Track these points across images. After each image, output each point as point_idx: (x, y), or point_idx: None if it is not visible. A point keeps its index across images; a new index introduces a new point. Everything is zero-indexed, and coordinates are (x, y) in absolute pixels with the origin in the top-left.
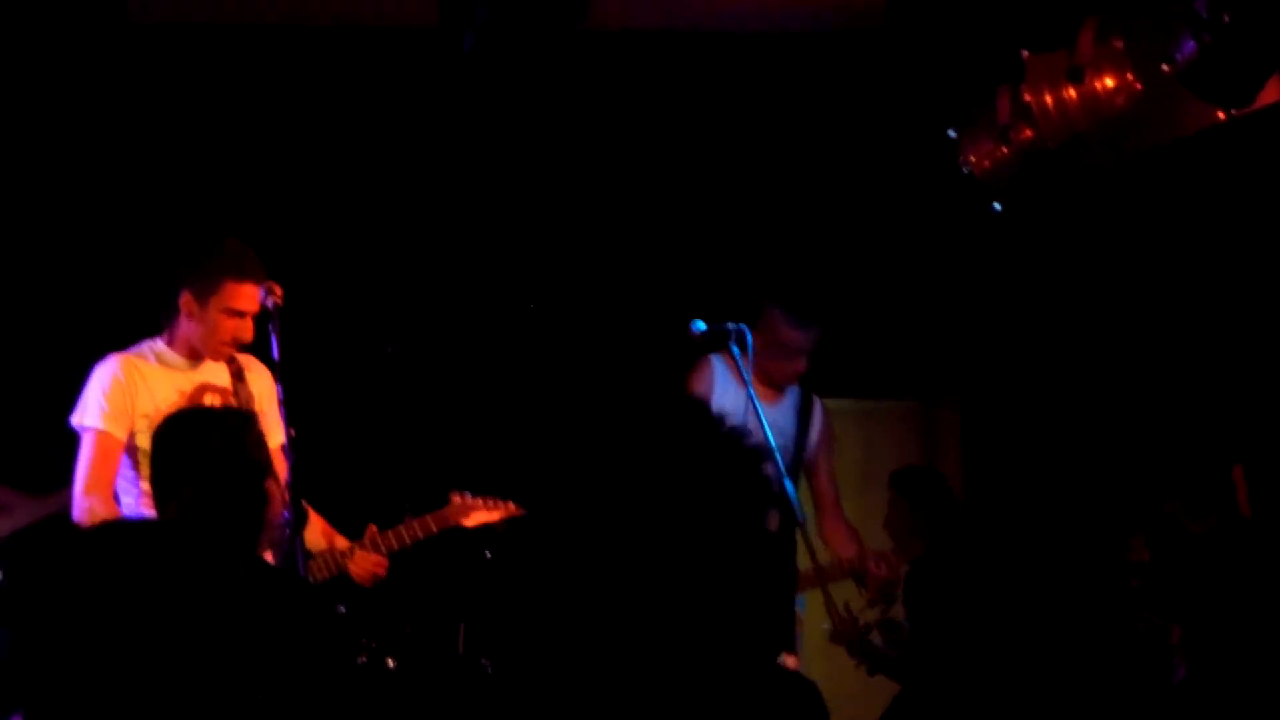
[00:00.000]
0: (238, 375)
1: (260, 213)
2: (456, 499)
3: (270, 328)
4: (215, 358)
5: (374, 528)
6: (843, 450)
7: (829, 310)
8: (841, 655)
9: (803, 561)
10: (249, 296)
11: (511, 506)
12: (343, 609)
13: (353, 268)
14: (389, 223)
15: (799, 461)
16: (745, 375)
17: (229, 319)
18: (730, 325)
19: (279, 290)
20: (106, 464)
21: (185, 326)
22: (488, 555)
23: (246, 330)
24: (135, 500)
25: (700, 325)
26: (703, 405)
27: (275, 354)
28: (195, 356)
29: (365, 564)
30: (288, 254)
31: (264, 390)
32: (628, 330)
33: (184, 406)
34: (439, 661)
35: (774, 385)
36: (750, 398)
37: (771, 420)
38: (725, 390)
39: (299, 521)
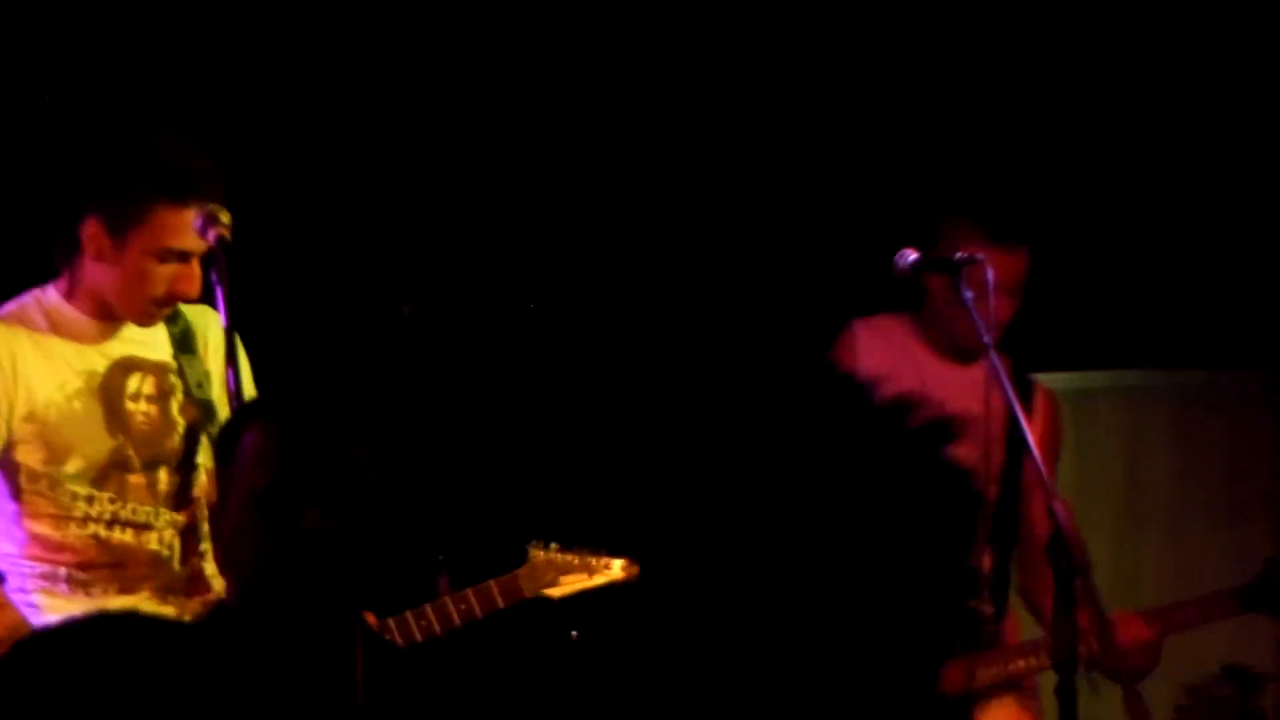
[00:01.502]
0: (181, 338)
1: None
2: (539, 555)
3: (214, 278)
4: (142, 321)
5: (371, 617)
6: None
7: (1054, 220)
8: None
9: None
10: (194, 231)
11: (620, 566)
12: None
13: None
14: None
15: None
16: (981, 327)
17: (161, 264)
18: (958, 255)
19: (225, 218)
20: None
21: (92, 271)
22: (574, 636)
23: (188, 280)
24: (17, 549)
25: (910, 256)
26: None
27: (224, 319)
28: (109, 315)
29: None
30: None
31: (221, 360)
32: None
33: (92, 398)
34: None
35: (958, 351)
36: (993, 362)
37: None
38: (882, 371)
39: None
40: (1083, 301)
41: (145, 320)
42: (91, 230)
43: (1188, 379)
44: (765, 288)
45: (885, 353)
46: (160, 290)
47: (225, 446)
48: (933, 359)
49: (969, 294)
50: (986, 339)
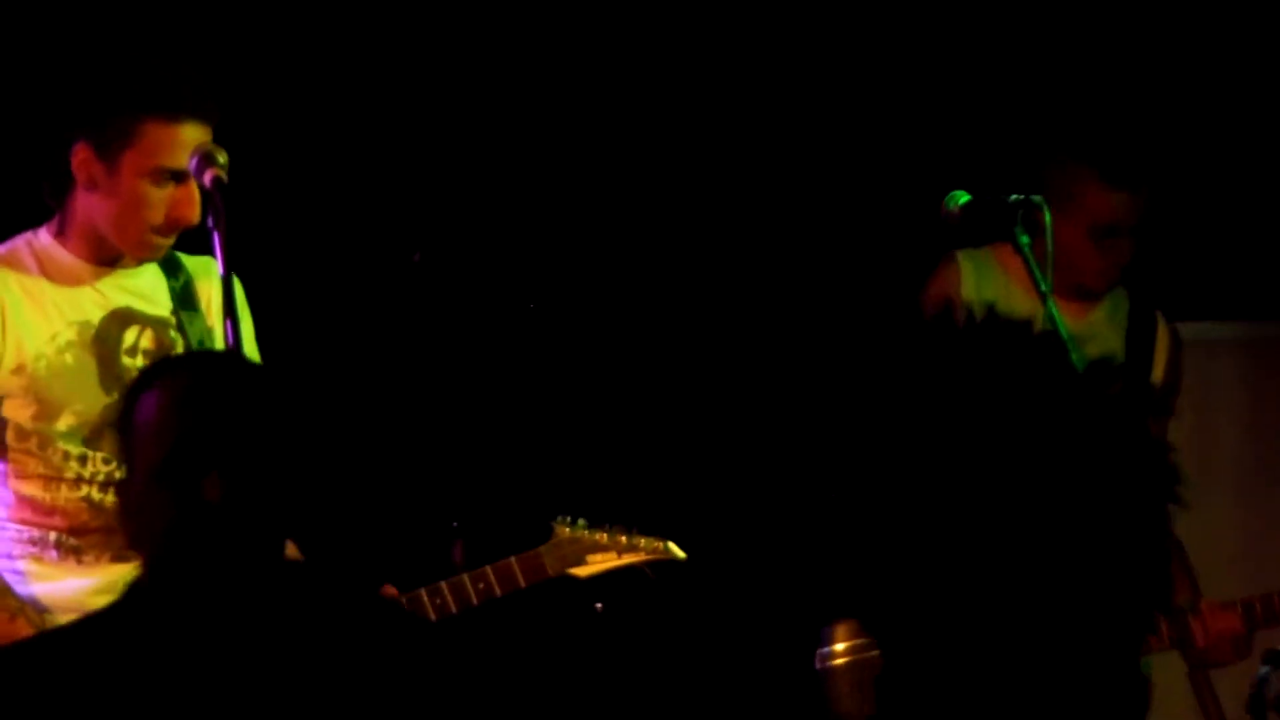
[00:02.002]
0: (182, 292)
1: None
2: (564, 532)
3: (210, 222)
4: (141, 253)
5: (390, 589)
6: (1211, 405)
7: (1171, 163)
8: None
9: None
10: (189, 147)
11: (652, 545)
12: None
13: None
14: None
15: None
16: (1039, 274)
17: (157, 185)
18: (1014, 197)
19: (221, 158)
20: None
21: (85, 203)
22: (599, 609)
23: (187, 204)
24: (4, 511)
25: (961, 198)
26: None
27: (221, 268)
28: (106, 255)
29: None
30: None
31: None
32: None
33: (85, 351)
34: None
35: (1079, 293)
36: (1050, 312)
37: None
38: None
39: None
40: (1150, 251)
41: (145, 252)
42: (81, 156)
43: (1255, 331)
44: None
45: (994, 286)
46: (158, 216)
47: (124, 416)
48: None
49: (1025, 239)
50: (1044, 288)
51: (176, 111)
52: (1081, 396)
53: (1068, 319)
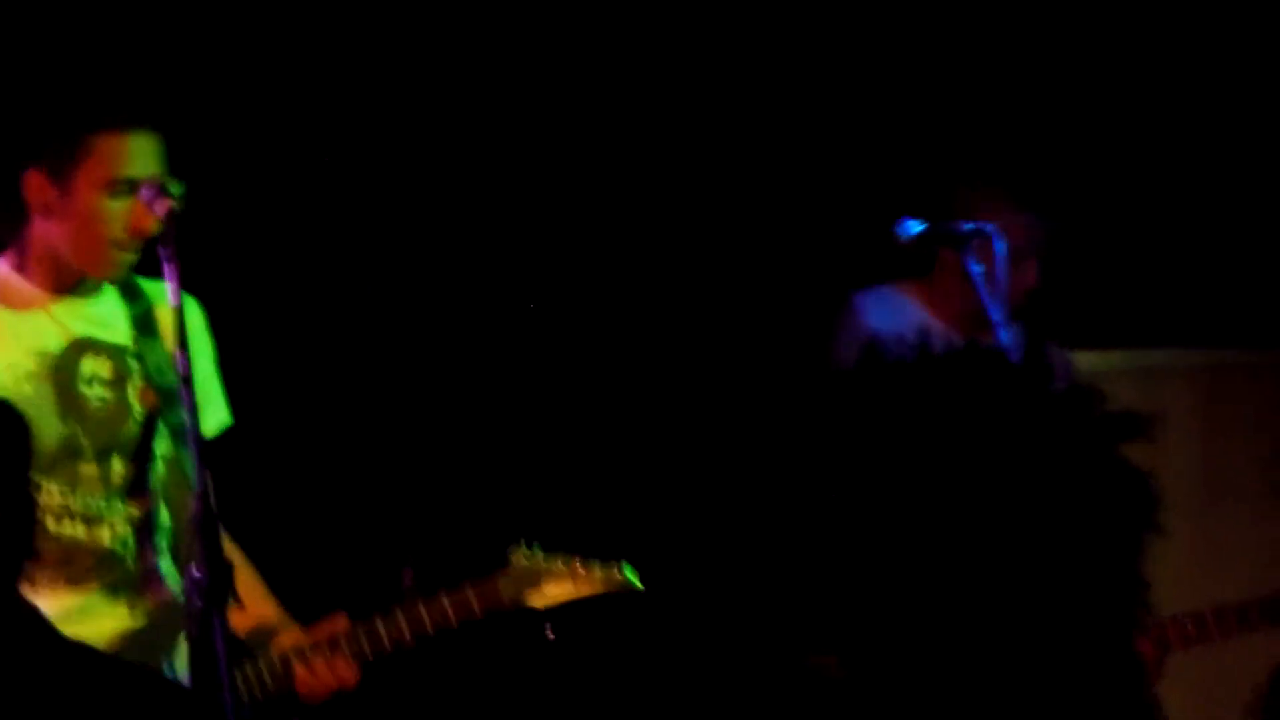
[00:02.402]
0: (142, 319)
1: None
2: (520, 560)
3: (162, 255)
4: (104, 271)
5: (342, 620)
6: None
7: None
8: None
9: None
10: (143, 154)
11: (610, 576)
12: None
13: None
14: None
15: None
16: (987, 297)
17: (113, 198)
18: (965, 225)
19: (175, 189)
20: None
21: (42, 231)
22: (549, 634)
23: (144, 215)
24: None
25: (914, 227)
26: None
27: (172, 298)
28: (66, 282)
29: (321, 678)
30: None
31: (192, 337)
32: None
33: (44, 381)
34: None
35: (971, 321)
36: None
37: None
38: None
39: (219, 583)
40: (1102, 279)
41: (108, 270)
42: (34, 183)
43: (1211, 358)
44: (765, 265)
45: (892, 325)
46: (116, 228)
47: None
48: (942, 331)
49: (978, 268)
50: (995, 316)
51: (126, 123)
52: (1062, 423)
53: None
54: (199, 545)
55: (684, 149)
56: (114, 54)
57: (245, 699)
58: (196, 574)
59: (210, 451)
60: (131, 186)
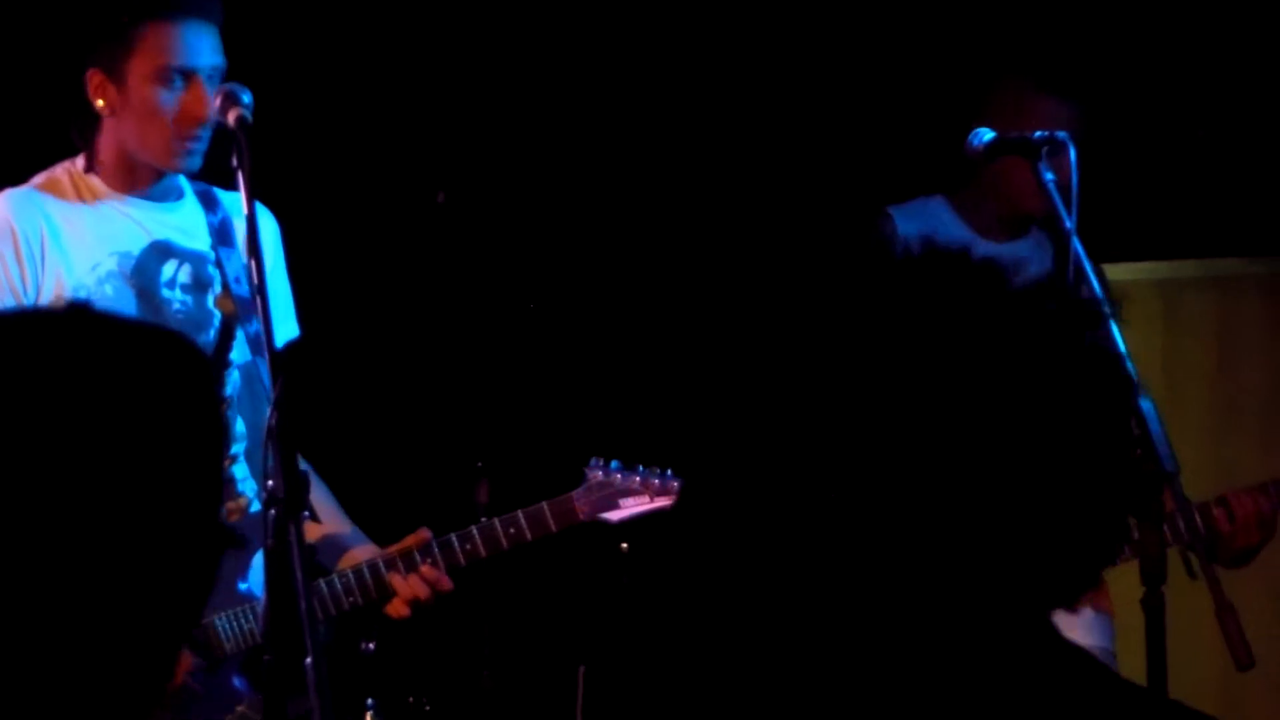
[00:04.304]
0: (220, 228)
1: None
2: (596, 476)
3: (234, 163)
4: (171, 161)
5: (426, 533)
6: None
7: (1107, 79)
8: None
9: None
10: (191, 39)
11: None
12: (371, 646)
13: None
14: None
15: None
16: (1063, 211)
17: (166, 88)
18: (1038, 133)
19: (245, 97)
20: None
21: (110, 131)
22: (624, 549)
23: (197, 101)
24: None
25: (985, 134)
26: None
27: (245, 206)
28: (141, 185)
29: (414, 587)
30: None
31: (267, 247)
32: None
33: (124, 282)
34: None
35: (1003, 226)
36: (1075, 250)
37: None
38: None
39: (294, 494)
40: (1167, 188)
41: (174, 160)
42: (95, 82)
43: (1227, 268)
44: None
45: (927, 235)
46: (174, 115)
47: None
48: (978, 239)
49: (1050, 175)
50: (1069, 224)
51: (172, 11)
52: (1024, 317)
53: (997, 255)
54: (274, 455)
55: (720, 64)
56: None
57: (322, 614)
58: (271, 484)
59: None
60: (184, 75)
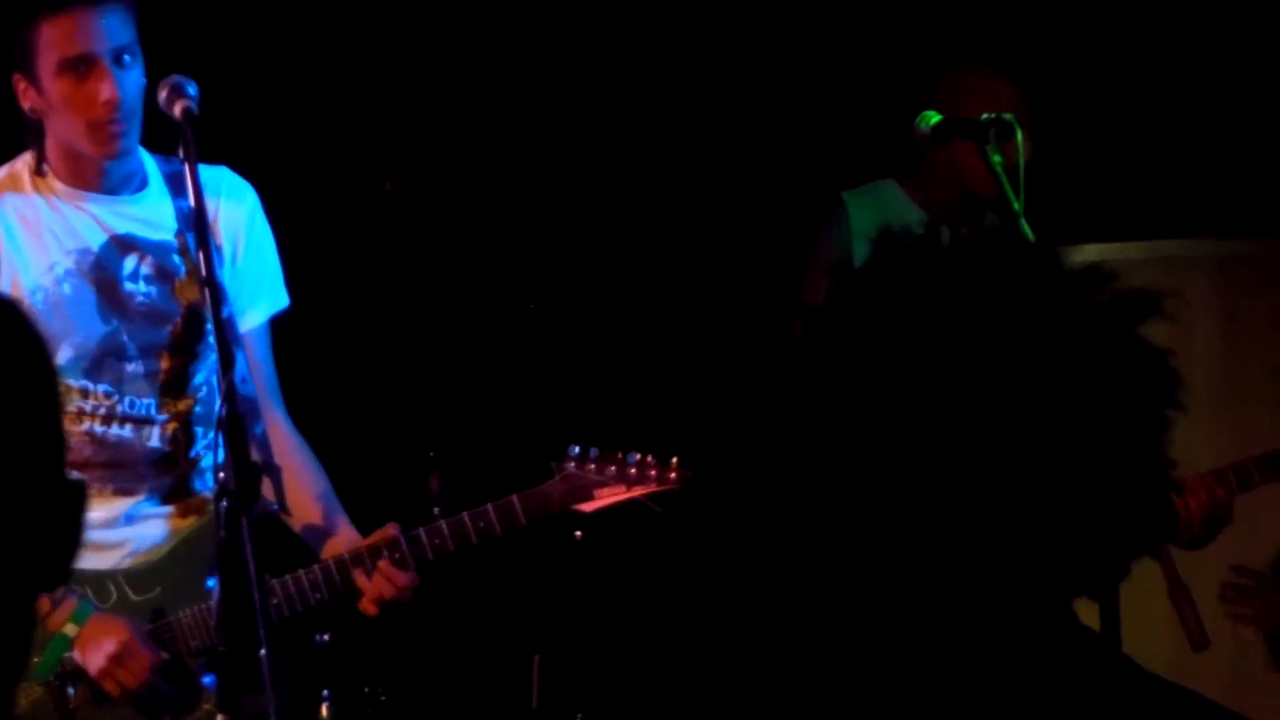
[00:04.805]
0: (188, 216)
1: None
2: (568, 465)
3: (180, 153)
4: (105, 149)
5: (393, 529)
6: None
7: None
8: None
9: None
10: (86, 27)
11: (667, 472)
12: (326, 638)
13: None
14: None
15: None
16: (1011, 194)
17: (77, 79)
18: (984, 116)
19: (190, 90)
20: None
21: (49, 130)
22: (578, 537)
23: (104, 83)
24: None
25: (932, 118)
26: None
27: (191, 200)
28: (92, 175)
29: (379, 586)
30: None
31: (236, 229)
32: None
33: (83, 280)
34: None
35: (960, 209)
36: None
37: None
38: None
39: (245, 485)
40: (1120, 169)
41: (107, 146)
42: (20, 87)
43: (1231, 249)
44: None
45: (880, 219)
46: (89, 106)
47: None
48: (931, 220)
49: (998, 158)
50: (1017, 206)
51: (63, 4)
52: (1074, 303)
53: None
54: (225, 447)
55: (679, 49)
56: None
57: (289, 611)
58: (223, 476)
59: (267, 336)
60: (86, 63)
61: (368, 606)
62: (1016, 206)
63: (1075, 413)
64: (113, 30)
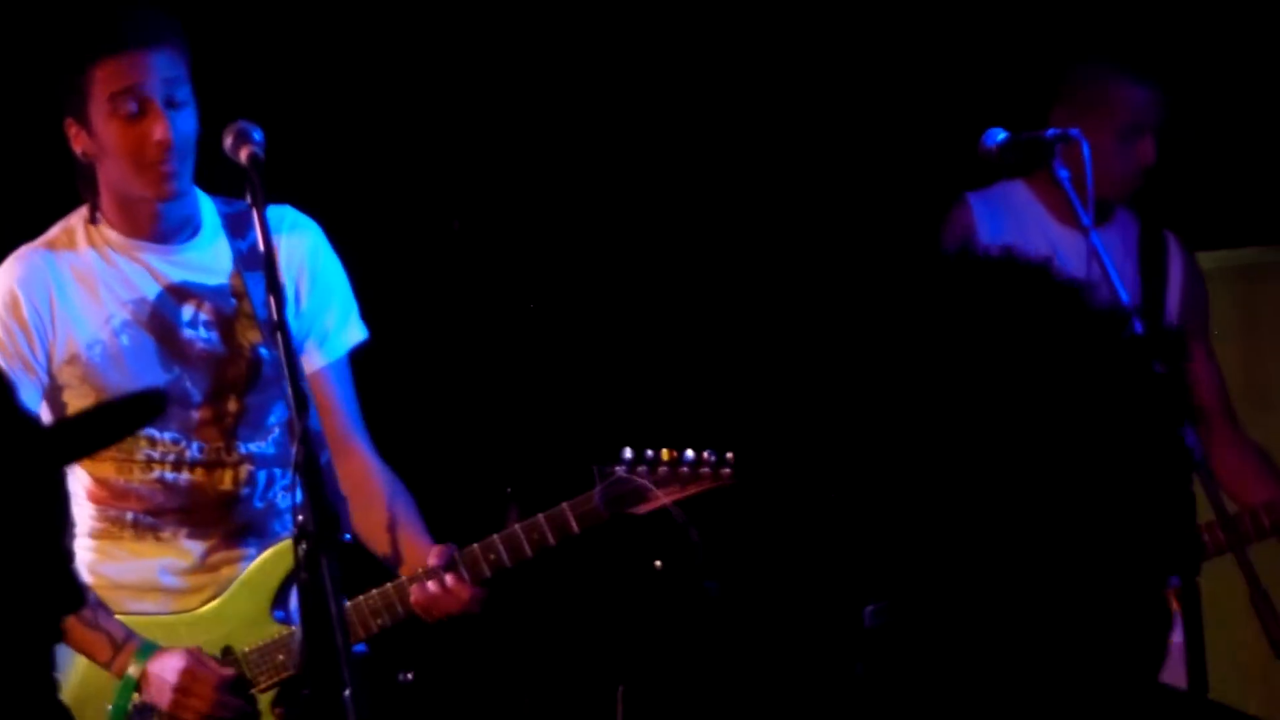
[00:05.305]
0: (249, 252)
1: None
2: (618, 469)
3: (249, 198)
4: (157, 190)
5: (449, 549)
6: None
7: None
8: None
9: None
10: (137, 69)
11: (726, 471)
12: (409, 676)
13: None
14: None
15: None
16: (1078, 203)
17: (127, 122)
18: (1049, 131)
19: (255, 135)
20: None
21: (101, 177)
22: (658, 566)
23: (157, 124)
24: (82, 492)
25: (998, 135)
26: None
27: (260, 243)
28: (145, 222)
29: (444, 602)
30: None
31: (299, 266)
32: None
33: (141, 330)
34: None
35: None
36: (1094, 245)
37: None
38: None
39: (325, 527)
40: (1191, 180)
41: (159, 188)
42: (72, 132)
43: (1249, 257)
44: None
45: (1005, 221)
46: (141, 147)
47: None
48: (1055, 223)
49: (1065, 172)
50: (1087, 221)
51: (114, 48)
52: (1098, 338)
53: (1081, 245)
54: (303, 489)
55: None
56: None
57: (364, 633)
58: (301, 518)
59: (346, 369)
60: (139, 104)
61: (431, 619)
62: (1086, 220)
63: (1092, 442)
64: (164, 72)
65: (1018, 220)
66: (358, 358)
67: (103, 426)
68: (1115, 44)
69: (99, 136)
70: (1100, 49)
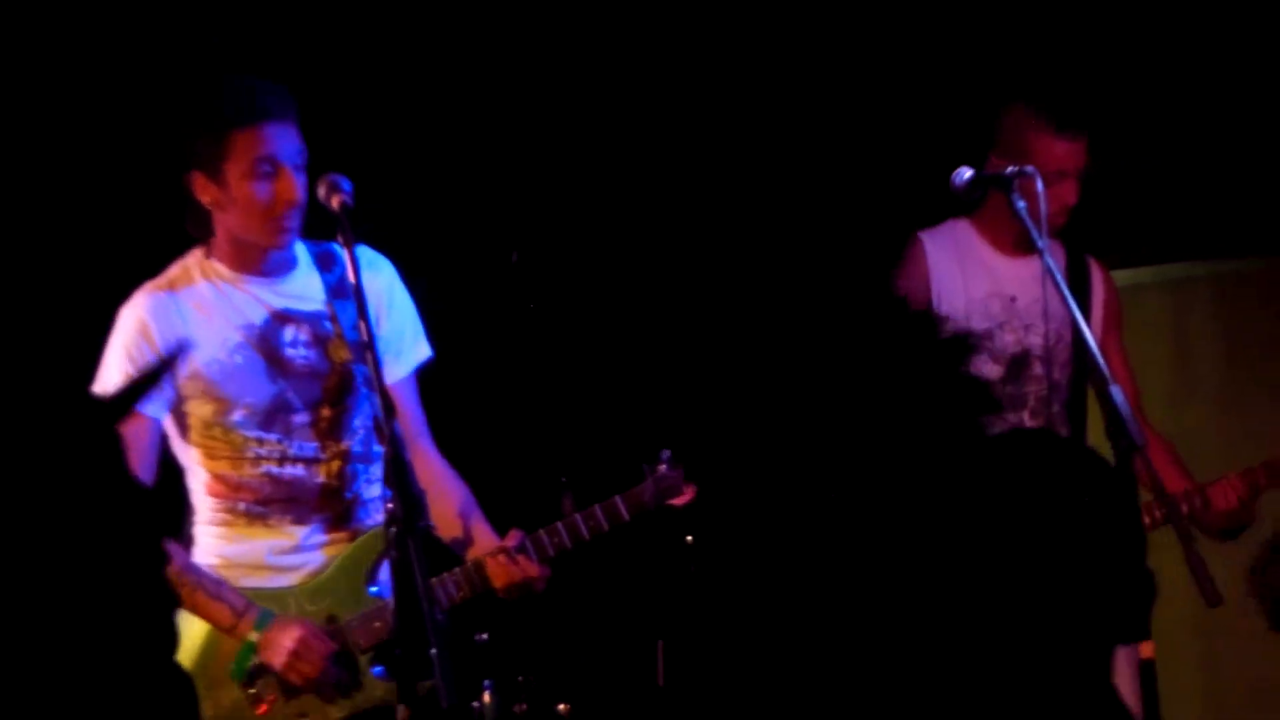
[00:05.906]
0: (337, 285)
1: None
2: (660, 467)
3: (339, 241)
4: (274, 240)
5: (518, 534)
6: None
7: (1109, 108)
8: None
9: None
10: (274, 139)
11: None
12: (484, 637)
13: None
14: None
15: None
16: (1035, 233)
17: (260, 180)
18: (1009, 169)
19: (345, 186)
20: (134, 458)
21: (220, 222)
22: (689, 541)
23: (287, 188)
24: (201, 486)
25: (965, 173)
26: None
27: (352, 278)
28: (254, 261)
29: (511, 574)
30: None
31: (378, 297)
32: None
33: (252, 351)
34: (632, 700)
35: (1020, 244)
36: (1047, 265)
37: (1035, 296)
38: (952, 274)
39: (411, 512)
40: (1124, 196)
41: (278, 239)
42: (199, 183)
43: (1229, 268)
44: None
45: (953, 255)
46: (269, 203)
47: None
48: (997, 255)
49: (1022, 203)
50: (1041, 244)
51: (256, 120)
52: (1066, 488)
53: (1016, 271)
54: (392, 481)
55: (757, 97)
56: (233, 61)
57: (445, 604)
58: (390, 505)
59: (414, 383)
60: (272, 166)
61: (506, 592)
62: (1040, 243)
63: (1056, 565)
64: (293, 141)
65: (962, 253)
66: (425, 373)
67: None
68: (1038, 96)
69: (232, 190)
70: (1025, 100)
